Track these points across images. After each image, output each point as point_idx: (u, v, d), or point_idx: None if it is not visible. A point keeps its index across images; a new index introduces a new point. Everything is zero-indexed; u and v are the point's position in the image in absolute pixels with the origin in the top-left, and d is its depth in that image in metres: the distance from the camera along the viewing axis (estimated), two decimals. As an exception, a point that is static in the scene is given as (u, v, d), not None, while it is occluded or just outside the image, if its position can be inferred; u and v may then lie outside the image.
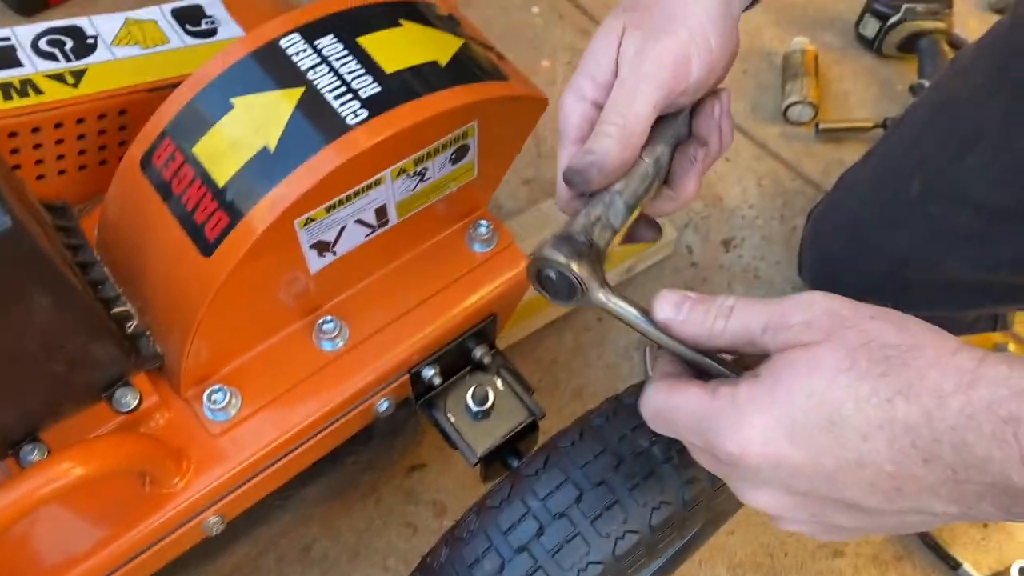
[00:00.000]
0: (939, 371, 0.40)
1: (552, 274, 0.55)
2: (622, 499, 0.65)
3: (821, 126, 1.58)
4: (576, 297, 0.55)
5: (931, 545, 1.18)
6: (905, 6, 1.65)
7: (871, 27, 1.69)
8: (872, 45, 1.71)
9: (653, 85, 0.56)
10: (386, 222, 0.80)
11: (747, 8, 0.66)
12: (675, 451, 0.67)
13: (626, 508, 0.65)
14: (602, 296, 0.55)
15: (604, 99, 0.58)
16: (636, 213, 0.60)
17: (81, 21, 0.86)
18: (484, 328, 0.89)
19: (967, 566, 1.16)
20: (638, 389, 0.73)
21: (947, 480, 0.40)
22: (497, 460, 0.88)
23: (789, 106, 1.59)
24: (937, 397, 0.39)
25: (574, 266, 0.54)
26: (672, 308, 0.49)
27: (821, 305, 0.44)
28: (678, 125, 0.62)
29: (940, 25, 1.65)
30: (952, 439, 0.39)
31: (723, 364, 0.50)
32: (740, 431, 0.43)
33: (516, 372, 0.90)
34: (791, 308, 0.44)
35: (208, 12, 0.94)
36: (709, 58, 0.57)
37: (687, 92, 0.58)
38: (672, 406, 0.48)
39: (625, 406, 0.71)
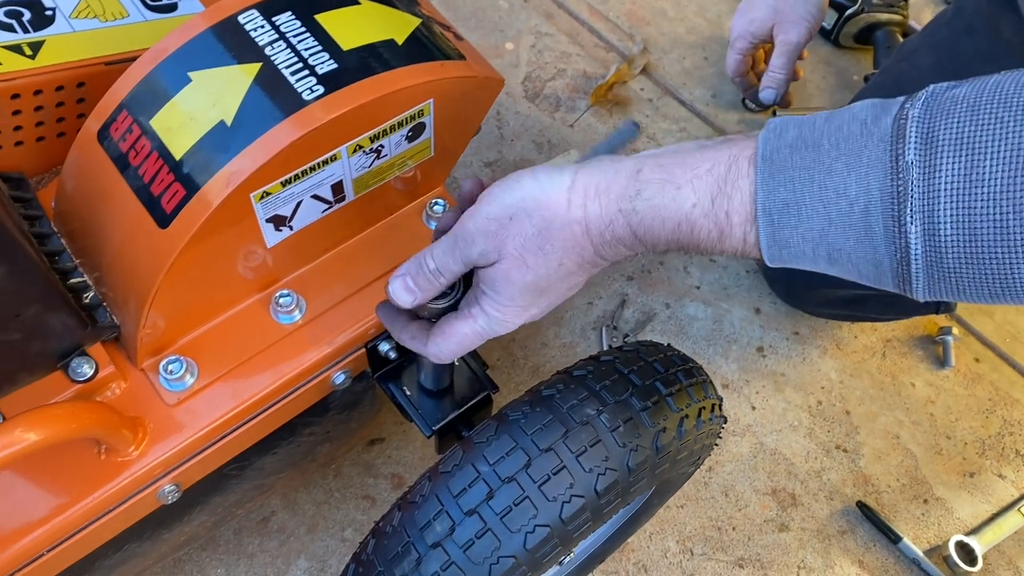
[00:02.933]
0: (568, 229, 0.62)
1: None
2: (569, 465, 0.67)
3: (778, 114, 1.61)
4: None
5: (873, 520, 1.22)
6: (863, -2, 1.69)
7: (829, 18, 1.72)
8: (830, 36, 1.75)
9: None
10: (343, 198, 0.81)
11: None
12: (621, 421, 0.70)
13: (573, 473, 0.67)
14: None
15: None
16: None
17: (40, -7, 0.86)
18: (440, 304, 0.91)
19: (907, 540, 1.20)
20: (587, 363, 0.76)
21: (600, 266, 0.66)
22: (452, 433, 0.89)
23: (748, 93, 1.61)
24: (578, 245, 0.63)
25: None
26: (407, 295, 0.69)
27: (478, 233, 0.64)
28: None
29: (896, 17, 1.69)
30: (598, 253, 0.64)
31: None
32: (502, 327, 0.68)
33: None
34: (465, 247, 0.64)
35: (169, -14, 0.94)
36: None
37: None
38: (459, 340, 0.69)
39: (575, 378, 0.73)
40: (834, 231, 0.51)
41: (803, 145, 0.52)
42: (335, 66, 0.73)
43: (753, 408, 1.32)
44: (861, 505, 1.24)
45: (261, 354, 0.82)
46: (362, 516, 1.17)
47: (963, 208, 0.46)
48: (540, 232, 0.62)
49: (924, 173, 0.47)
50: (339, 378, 0.86)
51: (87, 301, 0.77)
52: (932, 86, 0.50)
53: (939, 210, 0.47)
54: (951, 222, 0.47)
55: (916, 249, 0.48)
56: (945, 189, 0.47)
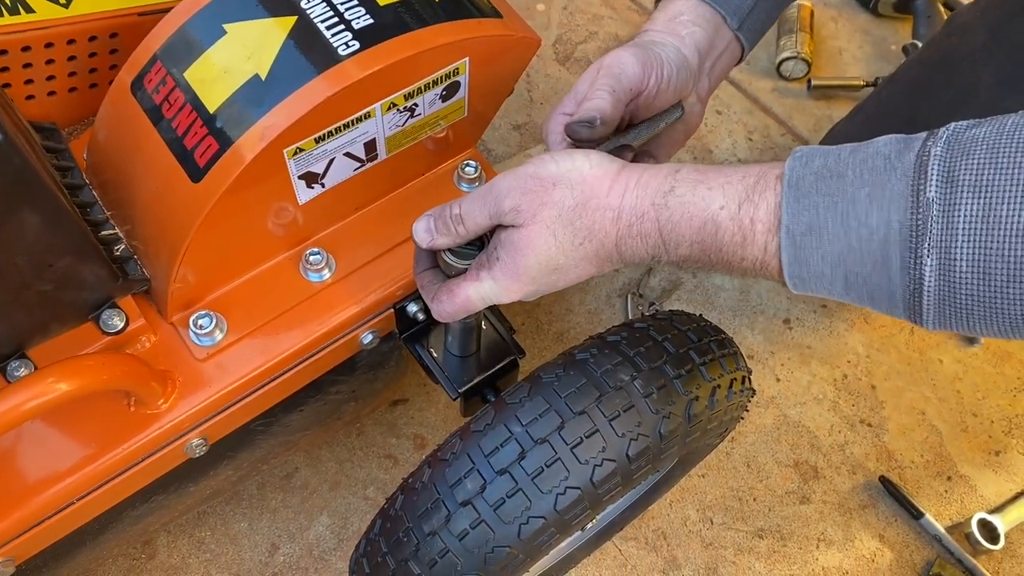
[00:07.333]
0: (601, 213, 0.63)
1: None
2: (602, 428, 0.67)
3: (813, 82, 1.58)
4: None
5: (895, 495, 1.22)
6: (904, -35, 1.65)
7: (869, -16, 1.68)
8: (868, 4, 1.71)
9: (630, 71, 0.73)
10: (375, 157, 0.80)
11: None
12: (655, 387, 0.69)
13: (605, 437, 0.67)
14: None
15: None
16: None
17: (73, -60, 0.85)
18: (469, 266, 0.90)
19: (929, 516, 1.20)
20: (620, 329, 0.75)
21: (614, 263, 0.66)
22: (477, 396, 0.89)
23: (783, 61, 1.58)
24: (603, 231, 0.64)
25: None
26: (425, 235, 0.69)
27: (516, 189, 0.64)
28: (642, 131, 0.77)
29: (938, -15, 1.65)
30: (617, 248, 0.64)
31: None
32: (506, 296, 0.68)
33: (499, 312, 0.91)
34: (498, 199, 0.65)
35: (202, -63, 0.93)
36: (663, 80, 0.75)
37: (644, 97, 0.75)
38: (462, 303, 0.69)
39: (608, 343, 0.72)
40: (853, 257, 0.54)
41: (828, 174, 0.55)
42: (371, 21, 0.72)
43: (778, 380, 1.31)
44: (884, 480, 1.23)
45: (290, 311, 0.82)
46: (384, 475, 1.17)
47: (979, 248, 0.49)
48: (577, 206, 0.63)
49: (944, 211, 0.49)
50: (367, 338, 0.86)
51: (118, 253, 0.77)
52: (953, 125, 0.52)
53: (956, 248, 0.49)
54: (967, 260, 0.49)
55: (930, 282, 0.51)
56: (963, 228, 0.49)
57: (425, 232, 0.69)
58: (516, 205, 0.64)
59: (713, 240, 0.60)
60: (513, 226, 0.65)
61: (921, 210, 0.50)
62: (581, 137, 0.72)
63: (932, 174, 0.50)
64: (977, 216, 0.48)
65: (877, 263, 0.53)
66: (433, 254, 0.73)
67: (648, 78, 0.74)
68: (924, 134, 0.52)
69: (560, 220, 0.63)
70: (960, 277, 0.50)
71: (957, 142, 0.50)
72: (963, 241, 0.49)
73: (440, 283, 0.72)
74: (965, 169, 0.49)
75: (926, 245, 0.50)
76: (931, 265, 0.50)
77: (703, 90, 0.82)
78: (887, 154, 0.53)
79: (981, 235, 0.48)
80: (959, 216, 0.49)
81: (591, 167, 0.64)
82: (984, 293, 0.49)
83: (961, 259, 0.49)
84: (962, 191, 0.49)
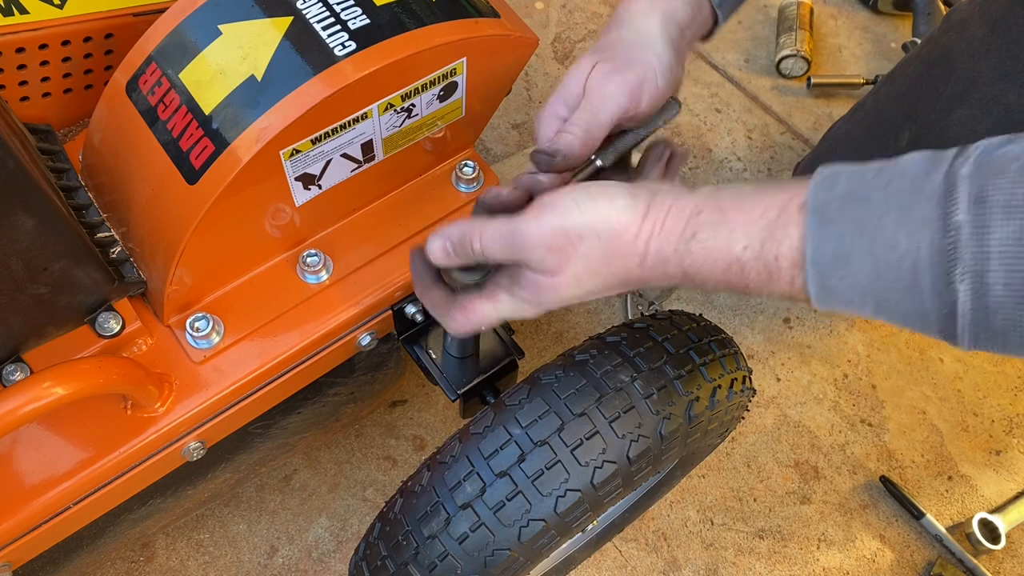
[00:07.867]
0: (628, 259, 0.62)
1: None
2: (602, 430, 0.67)
3: (813, 80, 1.57)
4: None
5: (896, 495, 1.21)
6: (904, -38, 1.64)
7: (868, -18, 1.68)
8: (868, 1, 1.70)
9: (613, 105, 0.71)
10: (372, 158, 0.80)
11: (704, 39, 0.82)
12: (655, 388, 0.69)
13: (605, 439, 0.67)
14: None
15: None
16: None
17: (67, -59, 0.85)
18: (467, 267, 0.90)
19: (930, 516, 1.20)
20: (620, 330, 0.75)
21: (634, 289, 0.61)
22: (476, 397, 0.89)
23: (782, 59, 1.58)
24: (628, 274, 0.63)
25: None
26: (443, 257, 0.67)
27: (542, 246, 0.63)
28: (627, 142, 0.76)
29: (937, -18, 1.64)
30: (640, 282, 0.63)
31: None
32: (521, 317, 0.68)
33: (498, 312, 0.91)
34: (524, 251, 0.63)
35: (197, -63, 0.92)
36: (656, 92, 0.73)
37: (637, 116, 0.73)
38: (479, 320, 0.68)
39: (608, 344, 0.72)
40: (882, 284, 0.52)
41: (853, 198, 0.53)
42: (367, 21, 0.71)
43: (778, 380, 1.30)
44: (884, 480, 1.23)
45: (287, 313, 0.81)
46: (383, 476, 1.17)
47: (1014, 272, 0.47)
48: (605, 256, 0.63)
49: (974, 234, 0.47)
50: (365, 339, 0.85)
51: (114, 256, 0.77)
52: (984, 142, 0.50)
53: (989, 272, 0.47)
54: (1001, 285, 0.47)
55: (964, 308, 0.49)
56: (996, 252, 0.47)
57: (443, 255, 0.68)
58: (542, 259, 0.63)
59: (739, 279, 0.59)
60: (539, 271, 0.64)
61: (951, 234, 0.48)
62: (540, 167, 0.72)
63: (960, 195, 0.48)
64: (1010, 239, 0.46)
65: (908, 288, 0.51)
66: (436, 268, 0.72)
67: (639, 102, 0.73)
68: (953, 151, 0.50)
69: (587, 271, 0.63)
70: (995, 302, 0.48)
71: (988, 160, 0.48)
72: (997, 265, 0.47)
73: (451, 301, 0.70)
74: (996, 189, 0.47)
75: (958, 270, 0.48)
76: (964, 291, 0.48)
77: (684, 53, 0.80)
78: (914, 174, 0.51)
79: (1016, 258, 0.46)
80: (991, 239, 0.47)
81: (618, 214, 0.62)
82: (1021, 317, 0.47)
83: (995, 284, 0.47)
84: (994, 213, 0.47)
